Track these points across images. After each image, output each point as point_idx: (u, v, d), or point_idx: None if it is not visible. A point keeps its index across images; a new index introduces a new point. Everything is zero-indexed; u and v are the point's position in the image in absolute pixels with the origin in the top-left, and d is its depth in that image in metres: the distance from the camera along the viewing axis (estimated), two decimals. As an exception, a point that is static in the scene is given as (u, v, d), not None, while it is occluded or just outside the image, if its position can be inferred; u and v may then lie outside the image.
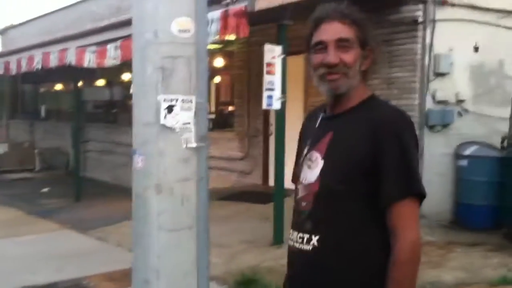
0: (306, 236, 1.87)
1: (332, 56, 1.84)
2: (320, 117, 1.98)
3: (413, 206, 1.80)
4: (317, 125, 1.98)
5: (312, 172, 1.88)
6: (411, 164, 1.81)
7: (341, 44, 1.84)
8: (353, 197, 1.80)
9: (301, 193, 1.93)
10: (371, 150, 1.78)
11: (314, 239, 1.85)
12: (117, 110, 14.89)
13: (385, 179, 1.77)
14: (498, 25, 8.45)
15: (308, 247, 1.86)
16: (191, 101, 2.12)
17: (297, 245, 1.90)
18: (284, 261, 2.06)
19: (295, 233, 1.92)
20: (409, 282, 1.78)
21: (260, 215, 8.23)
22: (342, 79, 1.86)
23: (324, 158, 1.87)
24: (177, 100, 2.09)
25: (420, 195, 1.82)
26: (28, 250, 7.43)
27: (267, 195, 8.94)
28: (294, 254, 1.92)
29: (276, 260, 6.18)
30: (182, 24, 2.11)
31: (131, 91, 2.20)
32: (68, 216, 9.56)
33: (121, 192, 11.04)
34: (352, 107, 1.90)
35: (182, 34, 2.12)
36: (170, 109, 2.08)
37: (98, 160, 14.52)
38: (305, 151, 1.96)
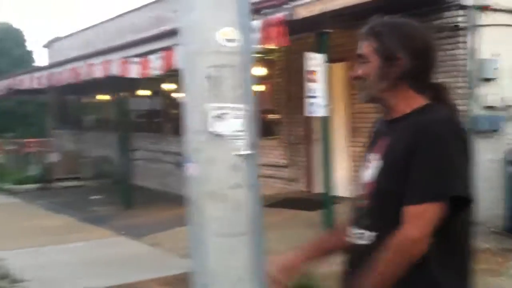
0: (364, 232, 1.96)
1: (354, 70, 2.05)
2: (381, 122, 2.11)
3: (429, 207, 1.79)
4: (378, 130, 2.11)
5: (370, 172, 1.99)
6: (444, 167, 1.81)
7: (359, 59, 2.02)
8: (402, 197, 1.84)
9: (360, 192, 2.05)
10: (409, 154, 1.83)
11: (371, 235, 1.93)
12: (160, 119, 15.06)
13: (412, 180, 1.81)
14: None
15: (364, 242, 1.95)
16: (240, 109, 2.16)
17: (354, 241, 2.00)
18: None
19: (354, 229, 2.01)
20: (383, 268, 1.80)
21: (307, 222, 8.21)
22: (362, 90, 2.03)
23: (380, 160, 1.96)
24: (226, 108, 2.14)
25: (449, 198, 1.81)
26: (83, 256, 7.60)
27: (312, 201, 8.92)
28: (352, 250, 2.02)
29: (329, 266, 6.13)
30: (228, 34, 2.16)
31: (178, 100, 2.25)
32: (119, 223, 9.65)
33: (170, 199, 11.13)
34: (407, 113, 1.96)
35: (228, 43, 2.16)
36: (219, 117, 2.13)
37: (145, 168, 14.68)
38: (366, 153, 2.08)
